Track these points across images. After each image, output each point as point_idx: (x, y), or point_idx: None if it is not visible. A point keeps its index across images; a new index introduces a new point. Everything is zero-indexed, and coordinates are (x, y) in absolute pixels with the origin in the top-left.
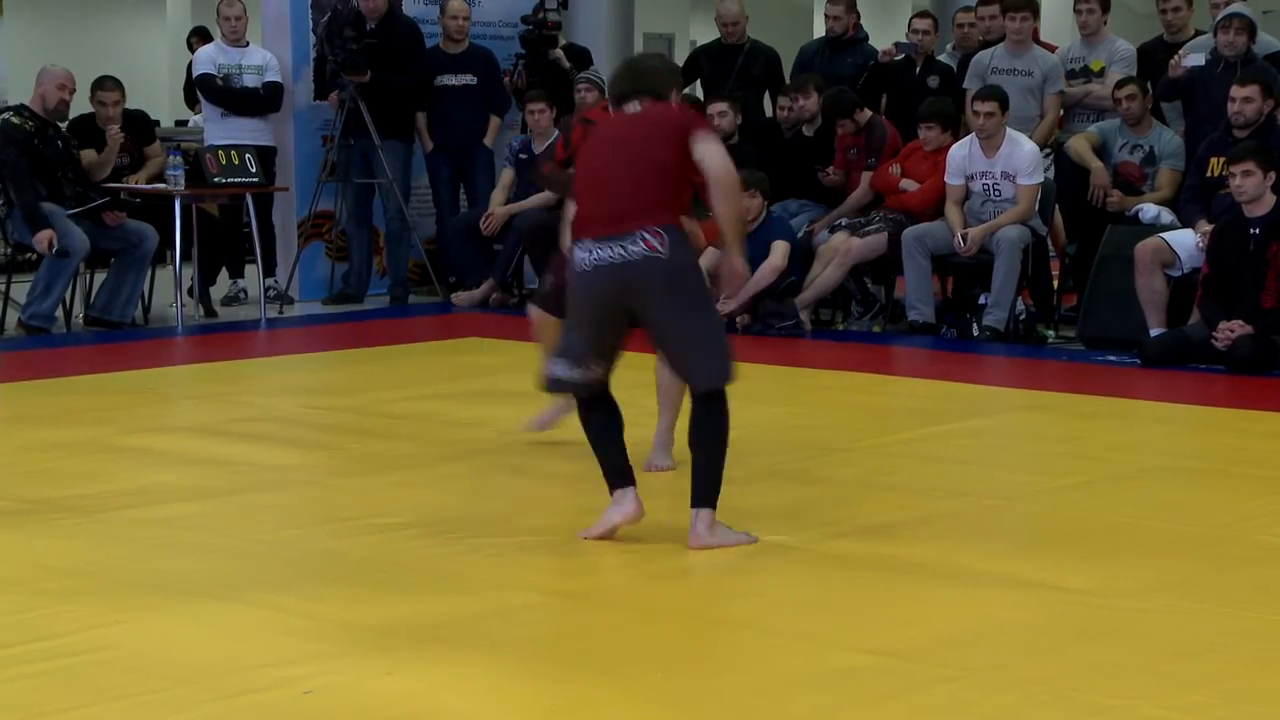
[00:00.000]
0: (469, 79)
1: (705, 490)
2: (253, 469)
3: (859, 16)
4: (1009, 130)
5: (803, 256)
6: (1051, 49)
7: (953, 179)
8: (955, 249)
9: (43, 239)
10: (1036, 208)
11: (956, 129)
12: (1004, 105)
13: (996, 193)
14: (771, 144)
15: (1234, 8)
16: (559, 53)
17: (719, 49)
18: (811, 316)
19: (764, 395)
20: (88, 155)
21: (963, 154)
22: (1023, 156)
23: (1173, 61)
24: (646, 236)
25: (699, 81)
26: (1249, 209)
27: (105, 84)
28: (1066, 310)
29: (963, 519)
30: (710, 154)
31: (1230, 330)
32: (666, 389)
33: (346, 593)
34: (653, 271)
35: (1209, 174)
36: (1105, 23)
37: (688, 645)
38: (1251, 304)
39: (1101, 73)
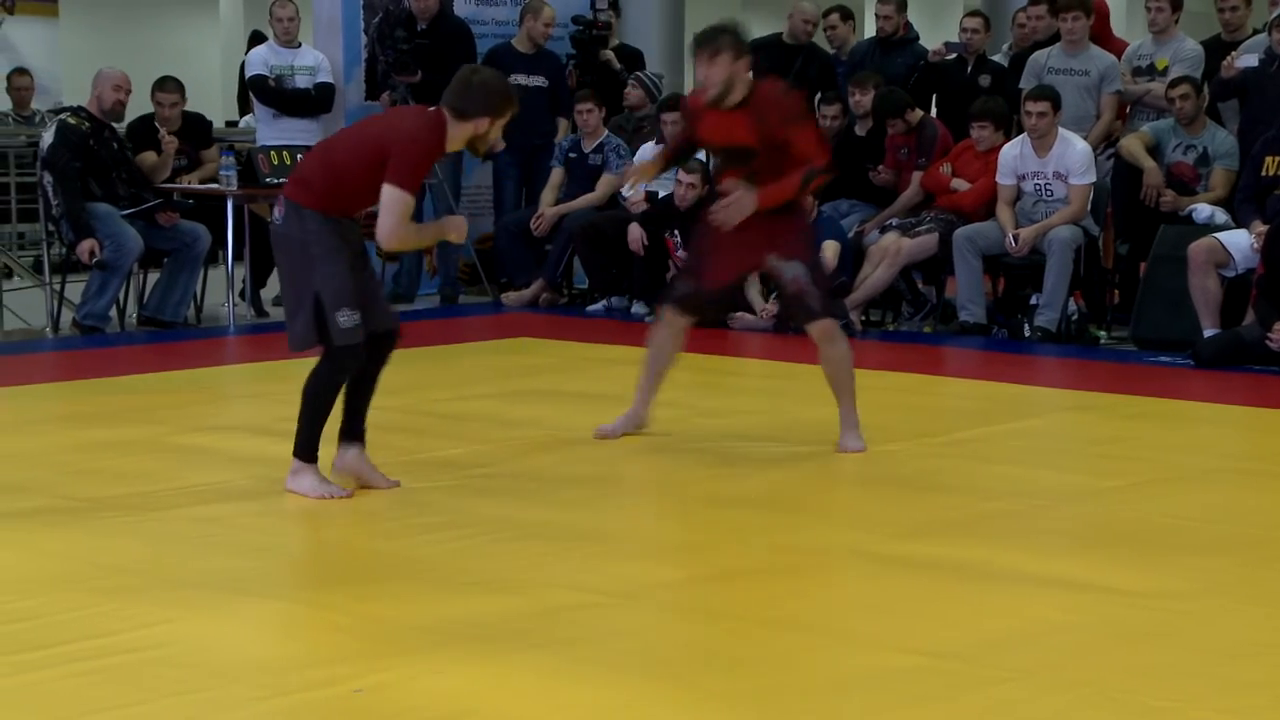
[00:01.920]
0: (540, 80)
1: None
2: None
3: (910, 17)
4: (1061, 130)
5: (853, 257)
6: (1122, 46)
7: (1004, 179)
8: (1007, 249)
9: (84, 249)
10: (1089, 208)
11: (1009, 128)
12: (1056, 105)
13: (1048, 193)
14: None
15: None
16: (609, 54)
17: (779, 46)
18: (862, 317)
19: (814, 396)
20: (146, 157)
21: (1014, 154)
22: (1075, 156)
23: (1225, 62)
24: None
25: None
26: None
27: (166, 85)
28: (1118, 311)
29: (1013, 520)
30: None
31: None
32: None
33: (396, 591)
34: None
35: (1264, 173)
36: (1176, 21)
37: (736, 646)
38: None
39: (1165, 71)
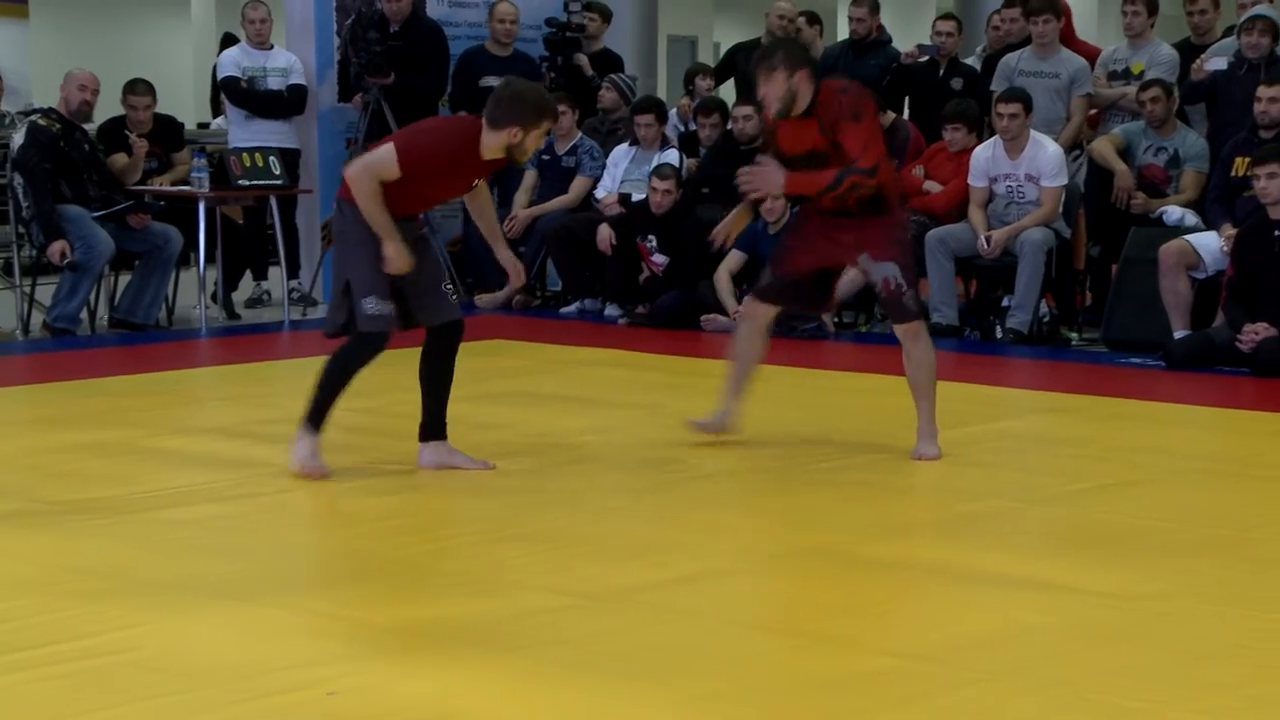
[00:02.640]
0: None
1: None
2: (277, 471)
3: (883, 19)
4: (1033, 132)
5: None
6: (1095, 51)
7: (976, 181)
8: (979, 251)
9: (55, 250)
10: (1060, 210)
11: (981, 130)
12: (1028, 107)
13: (1020, 195)
14: None
15: (1258, 9)
16: (583, 58)
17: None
18: (834, 319)
19: (787, 398)
20: (117, 159)
21: (986, 156)
22: (1047, 158)
23: (1195, 65)
24: None
25: (733, 80)
26: (1273, 211)
27: (137, 88)
28: (1089, 313)
29: (987, 521)
30: None
31: (1255, 333)
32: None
33: (371, 594)
34: None
35: (1234, 175)
36: (1152, 26)
37: (710, 648)
38: (1276, 306)
39: (1141, 75)
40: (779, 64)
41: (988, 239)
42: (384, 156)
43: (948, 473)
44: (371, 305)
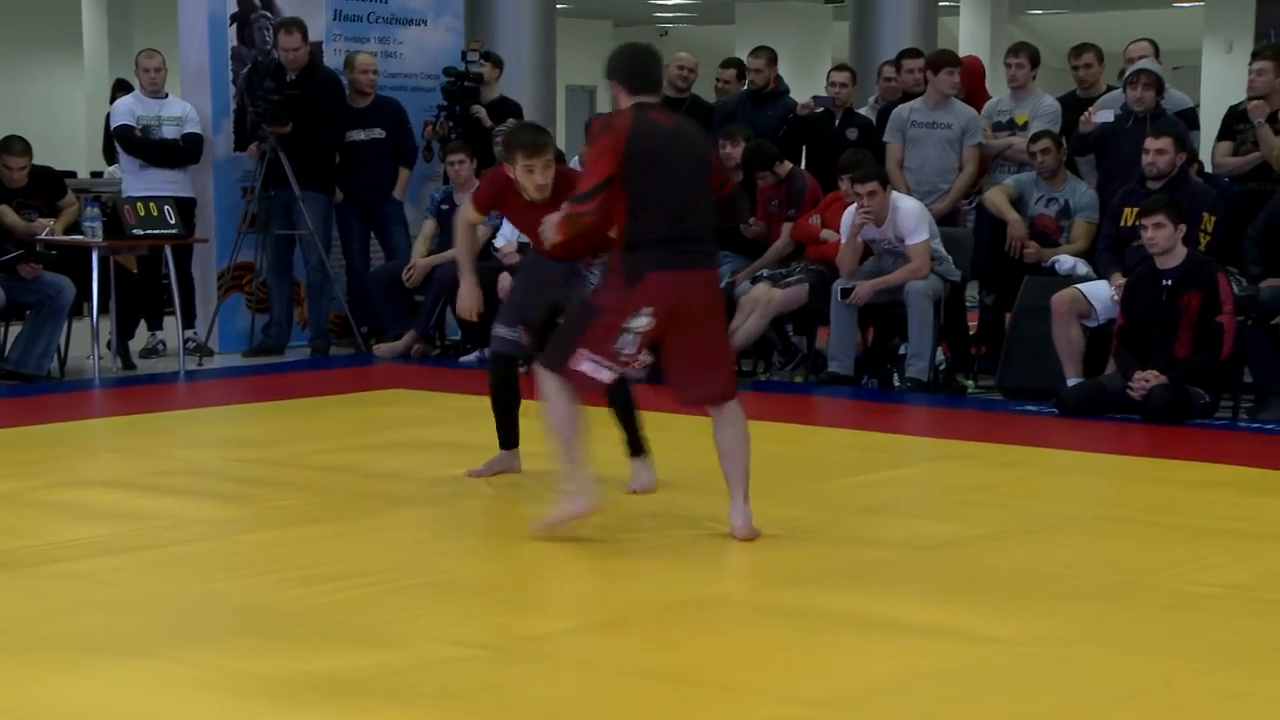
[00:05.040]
0: (378, 133)
1: None
2: (172, 523)
3: (739, 72)
4: (892, 195)
5: (725, 307)
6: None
7: (845, 236)
8: (838, 296)
9: None
10: (930, 263)
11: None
12: (884, 182)
13: (896, 249)
14: None
15: (1142, 64)
16: (480, 109)
17: (662, 99)
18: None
19: (687, 445)
20: (4, 211)
21: (855, 223)
22: (905, 219)
23: (1083, 118)
24: None
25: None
26: (1161, 261)
27: (12, 147)
28: (985, 361)
29: (884, 568)
30: None
31: (1145, 380)
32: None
33: (266, 647)
34: None
35: (1123, 225)
36: (1034, 78)
37: (615, 698)
38: (1165, 354)
39: (1025, 126)
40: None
41: (849, 290)
42: (466, 207)
43: (845, 521)
44: (499, 330)
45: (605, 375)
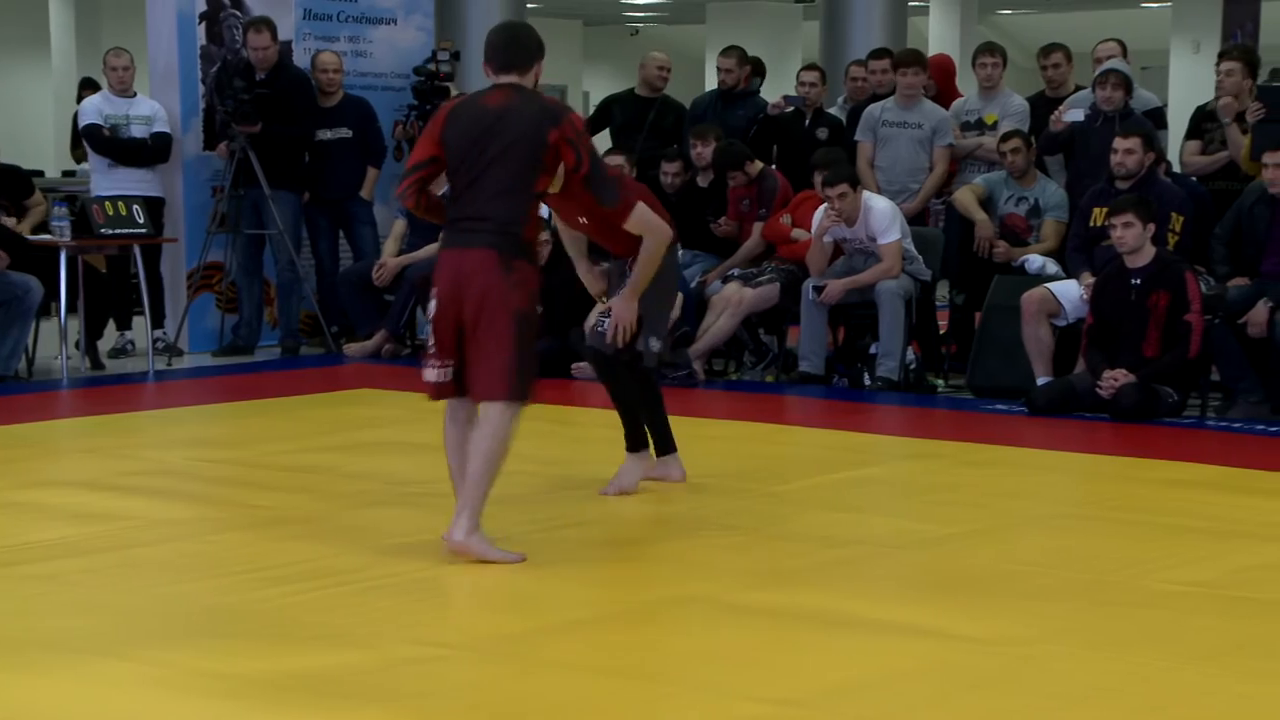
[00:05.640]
0: (344, 132)
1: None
2: (141, 523)
3: (754, 68)
4: (864, 195)
5: (696, 307)
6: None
7: (816, 235)
8: (809, 296)
9: None
10: (901, 263)
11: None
12: (854, 184)
13: (867, 248)
14: (665, 195)
15: (1111, 64)
16: None
17: (633, 99)
18: (705, 366)
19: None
20: None
21: (820, 223)
22: (877, 219)
23: (1053, 117)
24: None
25: (608, 130)
26: (1130, 260)
27: None
28: (955, 360)
29: (855, 567)
30: None
31: (1114, 379)
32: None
33: (235, 647)
34: None
35: (1092, 224)
36: (1003, 77)
37: (581, 697)
38: (1134, 353)
39: (994, 126)
40: None
41: (822, 289)
42: None
43: (815, 519)
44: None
45: (431, 375)
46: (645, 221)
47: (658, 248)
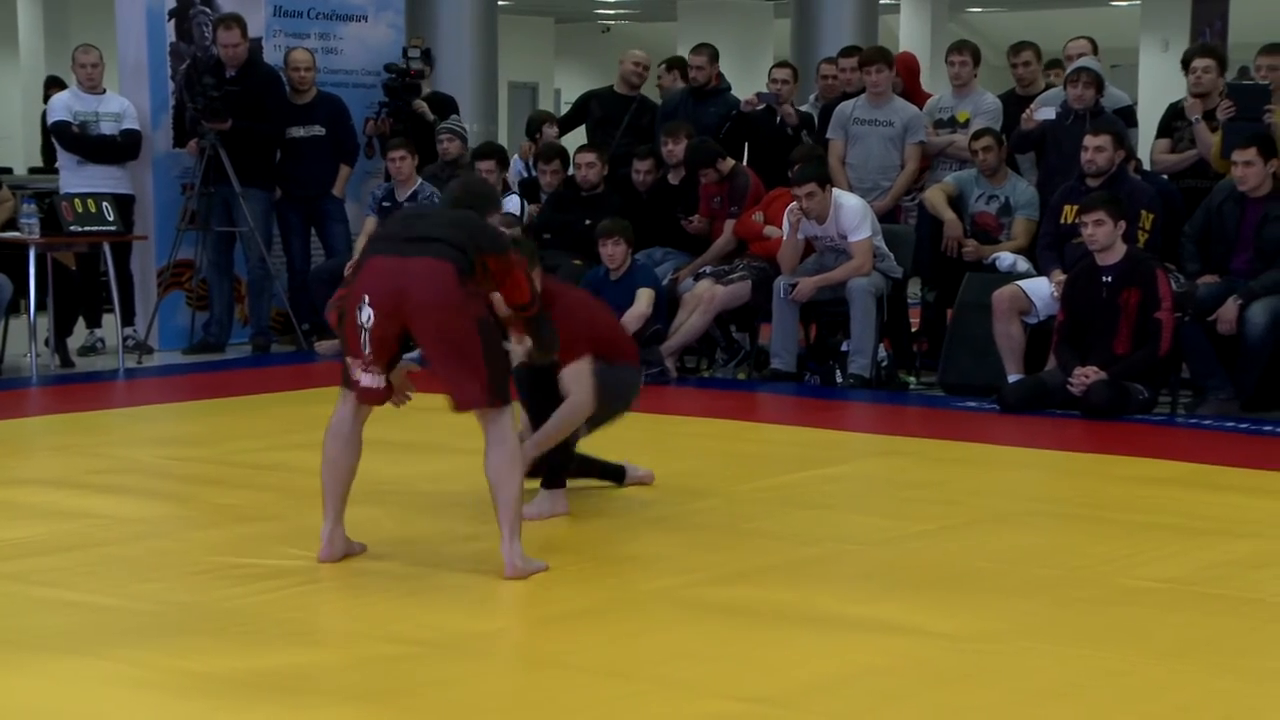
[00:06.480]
0: (317, 130)
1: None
2: (111, 521)
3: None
4: (834, 193)
5: (668, 304)
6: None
7: (787, 233)
8: (780, 293)
9: None
10: (872, 260)
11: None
12: (823, 183)
13: (838, 245)
14: (637, 193)
15: (1082, 62)
16: (423, 104)
17: (612, 96)
18: (677, 364)
19: (629, 442)
20: None
21: (797, 220)
22: (847, 217)
23: (1025, 114)
24: None
25: (585, 126)
26: (1100, 257)
27: None
28: (926, 357)
29: (826, 564)
30: None
31: (1085, 376)
32: None
33: (207, 645)
34: None
35: (1063, 222)
36: (975, 75)
37: (556, 694)
38: (1105, 350)
39: (967, 124)
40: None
41: (793, 286)
42: None
43: (787, 516)
44: None
45: (368, 380)
46: (579, 380)
47: (576, 414)
